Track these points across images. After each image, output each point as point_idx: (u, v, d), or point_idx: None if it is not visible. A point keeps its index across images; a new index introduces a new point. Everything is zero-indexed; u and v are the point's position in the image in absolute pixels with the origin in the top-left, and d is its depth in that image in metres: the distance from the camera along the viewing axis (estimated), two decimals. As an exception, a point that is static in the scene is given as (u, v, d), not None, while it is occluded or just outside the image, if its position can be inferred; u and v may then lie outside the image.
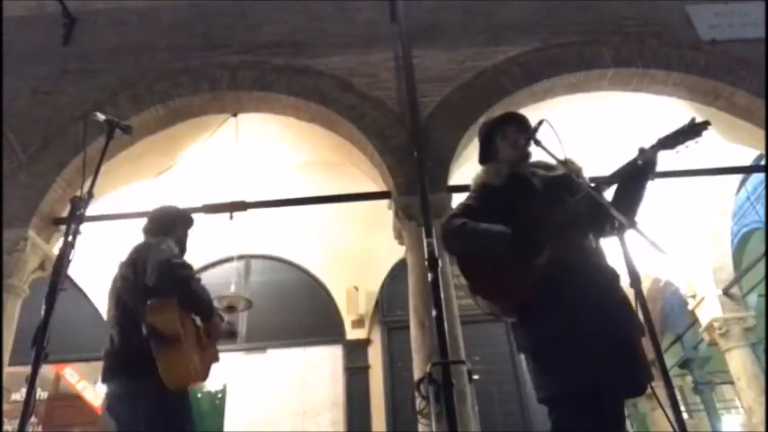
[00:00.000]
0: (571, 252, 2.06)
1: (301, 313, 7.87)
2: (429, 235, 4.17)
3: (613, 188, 2.19)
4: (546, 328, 1.96)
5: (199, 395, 8.86)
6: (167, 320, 2.50)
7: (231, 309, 6.35)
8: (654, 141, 2.04)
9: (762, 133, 5.09)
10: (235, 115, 5.64)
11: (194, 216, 3.31)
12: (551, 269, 2.00)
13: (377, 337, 7.71)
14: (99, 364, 2.66)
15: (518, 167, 2.34)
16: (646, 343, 1.88)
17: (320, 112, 5.31)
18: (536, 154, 2.35)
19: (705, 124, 1.97)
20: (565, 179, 2.24)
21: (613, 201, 2.13)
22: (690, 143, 1.98)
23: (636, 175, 2.09)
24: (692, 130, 1.98)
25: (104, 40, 5.81)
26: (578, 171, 2.28)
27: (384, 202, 5.07)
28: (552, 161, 2.24)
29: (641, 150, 2.05)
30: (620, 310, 1.98)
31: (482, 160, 2.51)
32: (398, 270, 7.32)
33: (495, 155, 2.42)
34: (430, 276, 3.97)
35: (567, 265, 2.01)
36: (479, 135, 2.52)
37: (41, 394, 7.42)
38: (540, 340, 1.99)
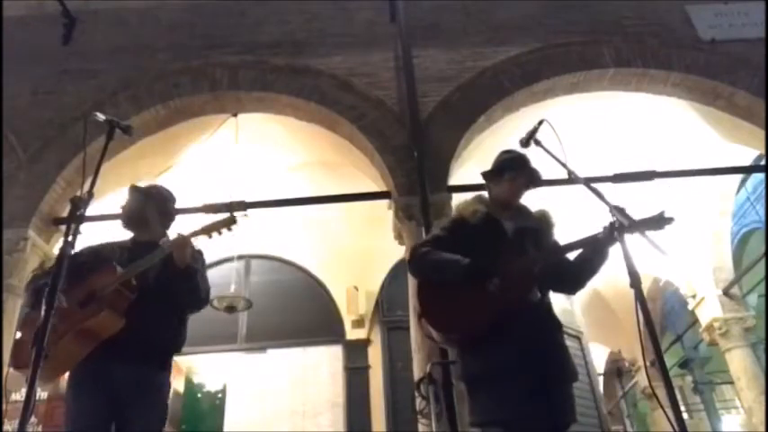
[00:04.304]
0: (518, 300, 2.18)
1: (301, 313, 7.87)
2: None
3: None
4: (484, 364, 2.13)
5: (199, 395, 8.88)
6: None
7: (231, 309, 6.36)
8: (619, 223, 2.09)
9: (762, 133, 5.09)
10: (235, 115, 5.64)
11: (194, 216, 3.29)
12: (496, 313, 2.13)
13: (377, 337, 7.71)
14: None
15: (499, 210, 2.43)
16: (635, 348, 1.93)
17: (320, 112, 5.31)
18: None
19: (670, 219, 2.10)
20: (534, 231, 2.38)
21: (570, 266, 2.31)
22: (651, 233, 2.04)
23: (595, 248, 2.21)
24: (658, 223, 2.09)
25: (104, 40, 5.81)
26: (551, 227, 2.43)
27: (384, 202, 5.07)
28: (530, 209, 2.46)
29: (604, 228, 2.13)
30: (553, 358, 2.16)
31: (485, 176, 2.55)
32: (398, 270, 7.32)
33: (495, 183, 2.48)
34: (430, 276, 3.96)
35: (511, 311, 2.13)
36: (500, 156, 2.54)
37: (41, 394, 7.41)
38: (476, 374, 2.16)
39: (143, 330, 2.39)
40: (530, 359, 2.06)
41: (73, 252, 2.56)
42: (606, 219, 2.11)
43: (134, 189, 2.82)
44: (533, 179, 2.43)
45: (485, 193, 2.55)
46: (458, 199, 2.60)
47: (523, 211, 2.48)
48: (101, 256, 2.62)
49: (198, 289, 2.61)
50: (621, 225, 1.98)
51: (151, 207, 2.78)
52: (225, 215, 2.56)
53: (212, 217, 2.61)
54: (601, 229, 2.14)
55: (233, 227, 2.54)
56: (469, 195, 2.59)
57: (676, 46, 5.47)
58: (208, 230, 2.55)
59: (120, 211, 2.82)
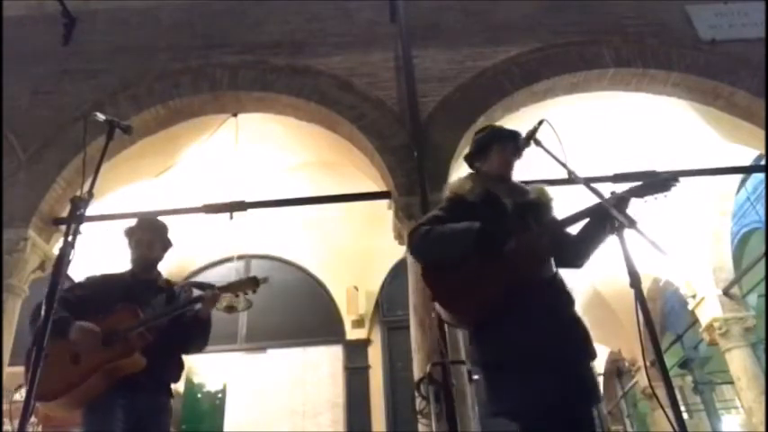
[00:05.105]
0: (531, 274, 2.11)
1: (301, 313, 7.87)
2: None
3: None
4: (498, 347, 2.04)
5: (199, 395, 8.87)
6: None
7: (231, 309, 6.35)
8: (625, 189, 2.10)
9: (762, 133, 5.09)
10: (235, 115, 5.64)
11: (194, 216, 3.36)
12: (510, 289, 2.05)
13: (377, 337, 7.71)
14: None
15: (495, 185, 2.37)
16: (635, 348, 1.91)
17: (320, 112, 5.31)
18: (522, 168, 2.42)
19: (675, 180, 2.08)
20: (535, 207, 2.31)
21: (575, 239, 2.25)
22: (659, 196, 2.07)
23: (601, 217, 2.13)
24: (663, 184, 2.08)
25: (104, 40, 5.81)
26: (549, 201, 2.36)
27: (384, 202, 5.07)
28: (526, 185, 2.39)
29: (611, 195, 2.09)
30: (571, 336, 2.07)
31: (469, 158, 2.53)
32: (398, 270, 7.31)
33: (484, 160, 2.44)
34: (430, 276, 3.96)
35: (525, 286, 2.06)
36: (479, 134, 2.53)
37: (41, 394, 7.39)
38: (492, 358, 2.06)
39: (158, 367, 2.63)
40: (548, 341, 1.98)
41: (73, 283, 2.77)
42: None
43: (152, 232, 2.95)
44: (519, 144, 2.37)
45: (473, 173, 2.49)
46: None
47: (519, 187, 2.43)
48: (106, 291, 2.76)
49: (208, 337, 2.88)
50: (621, 224, 1.95)
51: (162, 253, 2.97)
52: (249, 277, 2.85)
53: (237, 276, 3.00)
54: (607, 196, 2.08)
55: (256, 290, 2.84)
56: None
57: (676, 46, 5.47)
58: (234, 290, 2.86)
59: (124, 232, 2.96)
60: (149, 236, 2.92)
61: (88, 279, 2.87)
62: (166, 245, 3.00)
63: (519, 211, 2.27)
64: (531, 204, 2.32)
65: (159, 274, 2.97)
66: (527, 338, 1.98)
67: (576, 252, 2.28)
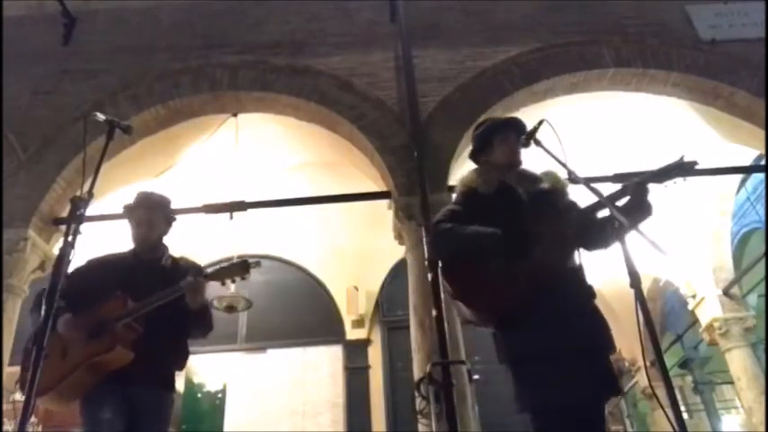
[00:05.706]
0: (556, 267, 2.11)
1: (301, 313, 7.87)
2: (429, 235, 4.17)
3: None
4: (526, 342, 2.03)
5: (199, 395, 8.88)
6: None
7: (231, 309, 6.36)
8: (645, 174, 2.12)
9: (762, 133, 5.09)
10: (235, 115, 5.64)
11: (194, 216, 3.29)
12: (535, 282, 2.04)
13: (377, 337, 7.71)
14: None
15: (507, 174, 2.36)
16: (635, 348, 1.91)
17: (320, 112, 5.31)
18: (525, 162, 2.40)
19: (693, 163, 2.08)
20: (550, 194, 2.29)
21: (602, 221, 2.21)
22: (678, 180, 2.08)
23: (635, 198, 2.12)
24: (682, 168, 2.08)
25: (104, 40, 5.81)
26: (564, 187, 2.33)
27: (384, 202, 5.08)
28: (537, 173, 2.36)
29: (631, 181, 2.10)
30: (595, 328, 2.08)
31: (474, 155, 2.52)
32: (398, 270, 7.31)
33: (489, 154, 2.42)
34: (430, 276, 3.97)
35: (550, 279, 2.05)
36: (478, 129, 2.52)
37: (41, 394, 7.38)
38: (520, 354, 2.06)
39: (157, 357, 2.50)
40: (573, 335, 1.98)
41: (73, 269, 2.56)
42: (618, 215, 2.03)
43: (152, 210, 2.75)
44: (521, 130, 2.34)
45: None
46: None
47: (528, 174, 2.40)
48: (105, 276, 2.62)
49: (208, 325, 2.70)
50: (622, 225, 1.95)
51: (166, 228, 2.82)
52: (239, 261, 2.56)
53: (227, 261, 2.67)
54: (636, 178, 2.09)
55: (246, 276, 2.53)
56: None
57: (676, 46, 5.47)
58: (222, 277, 2.55)
59: (123, 209, 2.80)
60: (149, 214, 2.73)
61: (89, 263, 2.72)
62: (170, 219, 2.83)
63: (534, 200, 2.26)
64: (546, 192, 2.30)
65: (164, 251, 2.79)
66: (553, 334, 1.98)
67: (602, 234, 2.22)
